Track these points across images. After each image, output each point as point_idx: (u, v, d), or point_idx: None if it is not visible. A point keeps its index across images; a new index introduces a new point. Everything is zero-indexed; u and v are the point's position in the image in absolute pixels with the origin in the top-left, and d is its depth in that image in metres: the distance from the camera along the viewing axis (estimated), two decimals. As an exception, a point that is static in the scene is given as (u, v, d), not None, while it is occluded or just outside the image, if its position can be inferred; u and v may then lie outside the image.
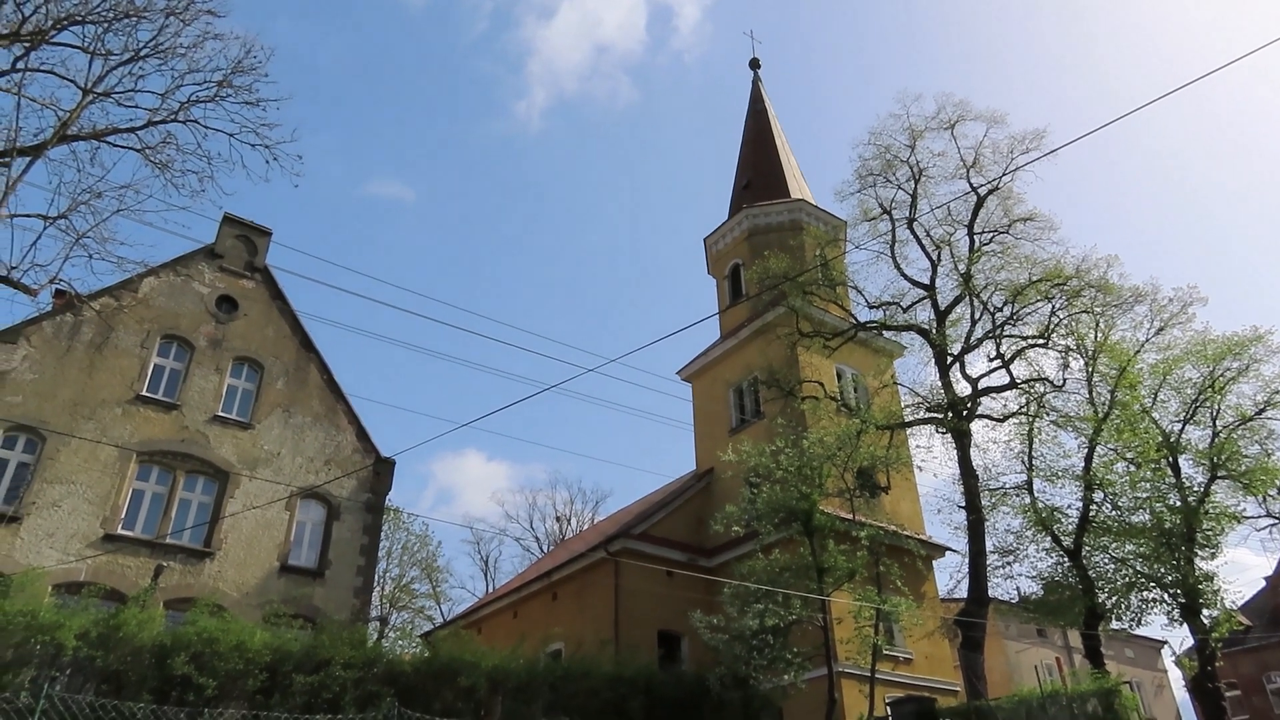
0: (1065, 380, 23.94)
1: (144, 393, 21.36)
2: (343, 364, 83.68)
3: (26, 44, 15.44)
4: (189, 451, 21.37)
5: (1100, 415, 22.62)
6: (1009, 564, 23.67)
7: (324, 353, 24.64)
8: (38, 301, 15.44)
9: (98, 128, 16.12)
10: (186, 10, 16.34)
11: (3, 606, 13.21)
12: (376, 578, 37.50)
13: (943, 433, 24.08)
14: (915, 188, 26.12)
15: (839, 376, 30.48)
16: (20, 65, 15.44)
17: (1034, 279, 23.65)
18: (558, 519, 56.25)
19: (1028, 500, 23.11)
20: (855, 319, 27.12)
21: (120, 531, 19.84)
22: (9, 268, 14.47)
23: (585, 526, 53.73)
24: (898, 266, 26.03)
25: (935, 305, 25.03)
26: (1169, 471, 22.22)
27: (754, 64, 43.27)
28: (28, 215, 15.07)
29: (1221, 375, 22.60)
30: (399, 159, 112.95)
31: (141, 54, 16.31)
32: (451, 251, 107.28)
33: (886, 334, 28.23)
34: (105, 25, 15.96)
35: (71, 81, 15.88)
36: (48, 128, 15.50)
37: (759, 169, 38.35)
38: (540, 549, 54.78)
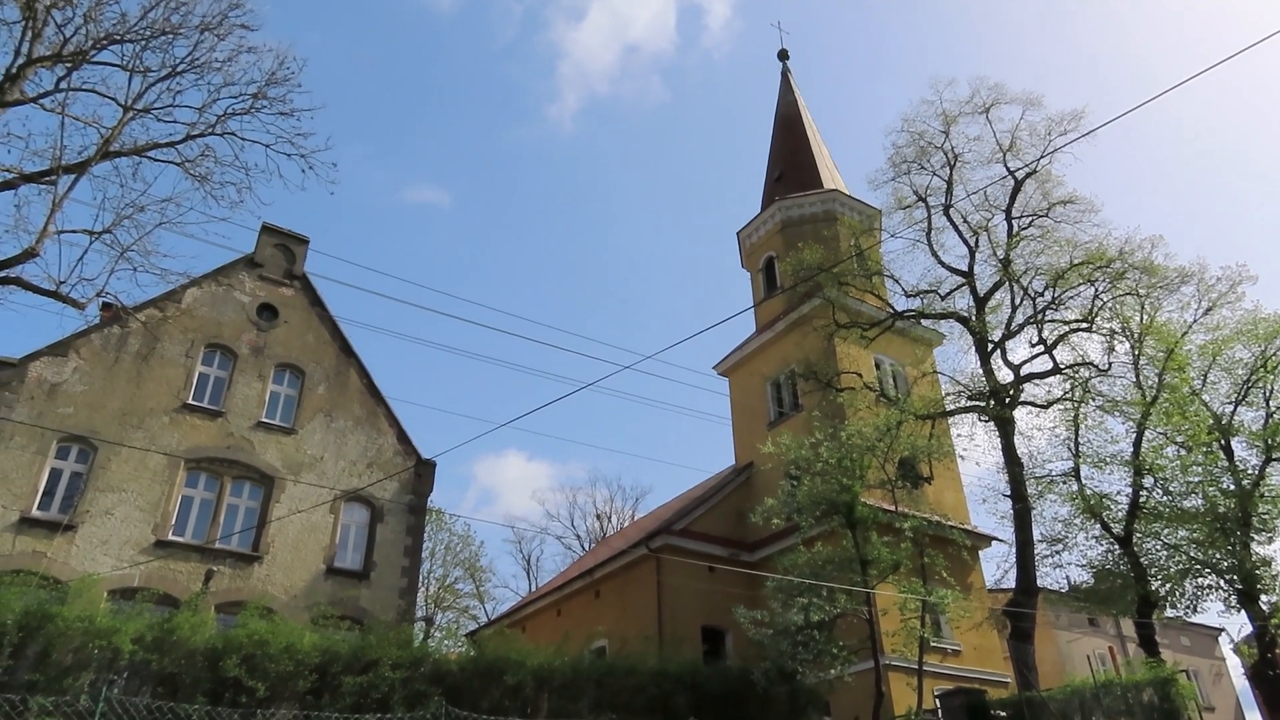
0: (1110, 364, 23.53)
1: (190, 401, 21.79)
2: (382, 368, 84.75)
3: (69, 64, 15.82)
4: (235, 458, 21.76)
5: (1148, 399, 22.16)
6: (1057, 553, 23.38)
7: (363, 357, 24.97)
8: (86, 315, 15.79)
9: (139, 143, 16.45)
10: (221, 25, 16.62)
11: (61, 613, 13.56)
12: (421, 578, 37.90)
13: (985, 421, 23.85)
14: (950, 174, 25.83)
15: (877, 367, 30.23)
16: (63, 85, 15.83)
17: (1075, 262, 23.26)
18: (598, 517, 56.46)
19: (1075, 487, 22.76)
20: (892, 308, 26.92)
21: (171, 537, 20.25)
22: (58, 283, 14.84)
23: (626, 524, 53.81)
24: (934, 254, 25.77)
25: (974, 292, 24.72)
26: (1221, 455, 21.69)
27: (783, 55, 42.95)
28: (74, 231, 15.44)
29: (1274, 355, 22.01)
30: (433, 165, 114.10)
31: (179, 70, 16.62)
32: (487, 254, 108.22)
33: (925, 322, 27.99)
34: (143, 43, 16.29)
35: (112, 99, 16.24)
36: (91, 145, 15.85)
37: (791, 160, 38.13)
38: (582, 547, 54.99)
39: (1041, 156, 24.09)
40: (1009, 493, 22.61)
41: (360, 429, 24.00)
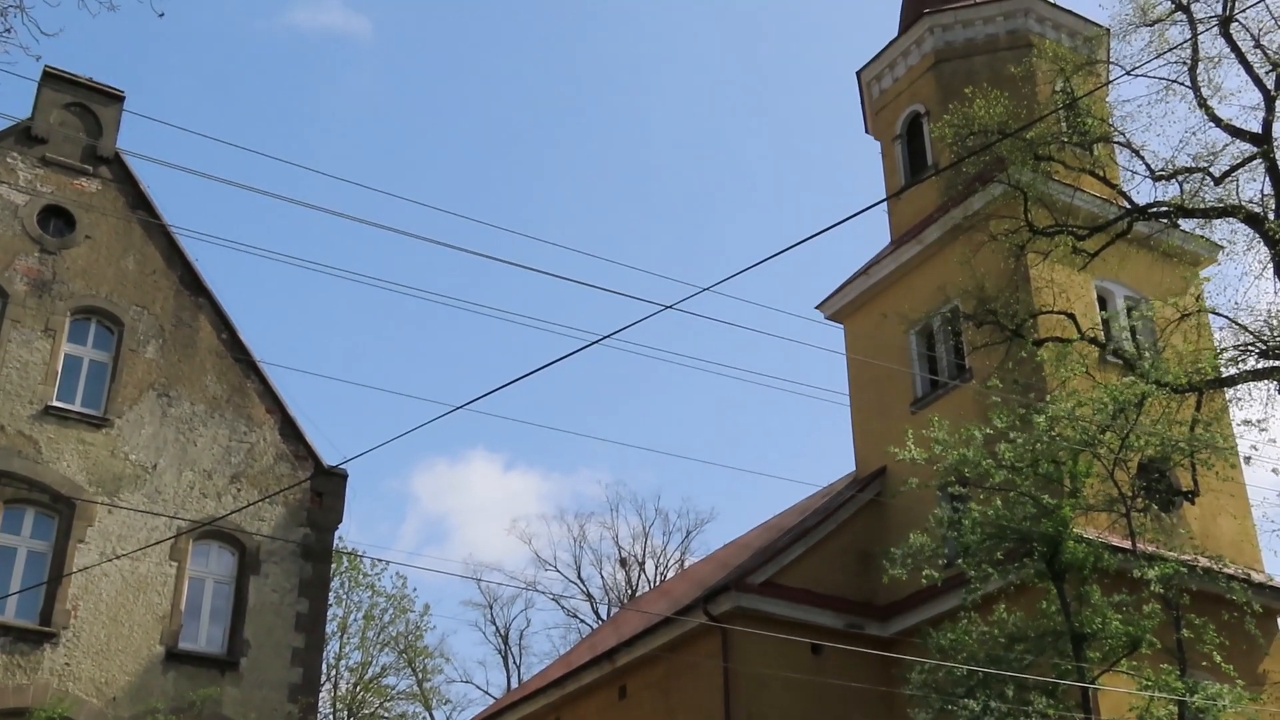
0: None
1: (-68, 373, 21.97)
2: (256, 315, 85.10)
3: None
4: (6, 468, 21.82)
5: None
6: None
7: (222, 296, 24.99)
8: None
9: None
10: None
11: None
12: (325, 666, 38.30)
13: (1291, 395, 23.41)
14: (1234, -41, 25.12)
15: (1102, 303, 30.01)
16: None
17: None
18: (623, 561, 57.12)
19: None
20: (1130, 201, 26.56)
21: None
22: None
23: (670, 573, 53.95)
24: (1203, 104, 25.19)
25: (1273, 170, 24.22)
26: None
27: None
28: None
29: None
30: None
31: None
32: (436, 120, 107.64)
33: (1185, 225, 27.50)
34: None
35: None
36: None
37: (951, -57, 37.52)
38: (595, 613, 55.35)
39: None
40: (1332, 518, 22.22)
41: (219, 417, 24.07)
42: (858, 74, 37.39)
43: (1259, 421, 24.12)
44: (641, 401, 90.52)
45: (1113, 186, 27.64)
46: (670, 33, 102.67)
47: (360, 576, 46.49)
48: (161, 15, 16.13)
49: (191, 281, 24.87)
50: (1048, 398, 23.99)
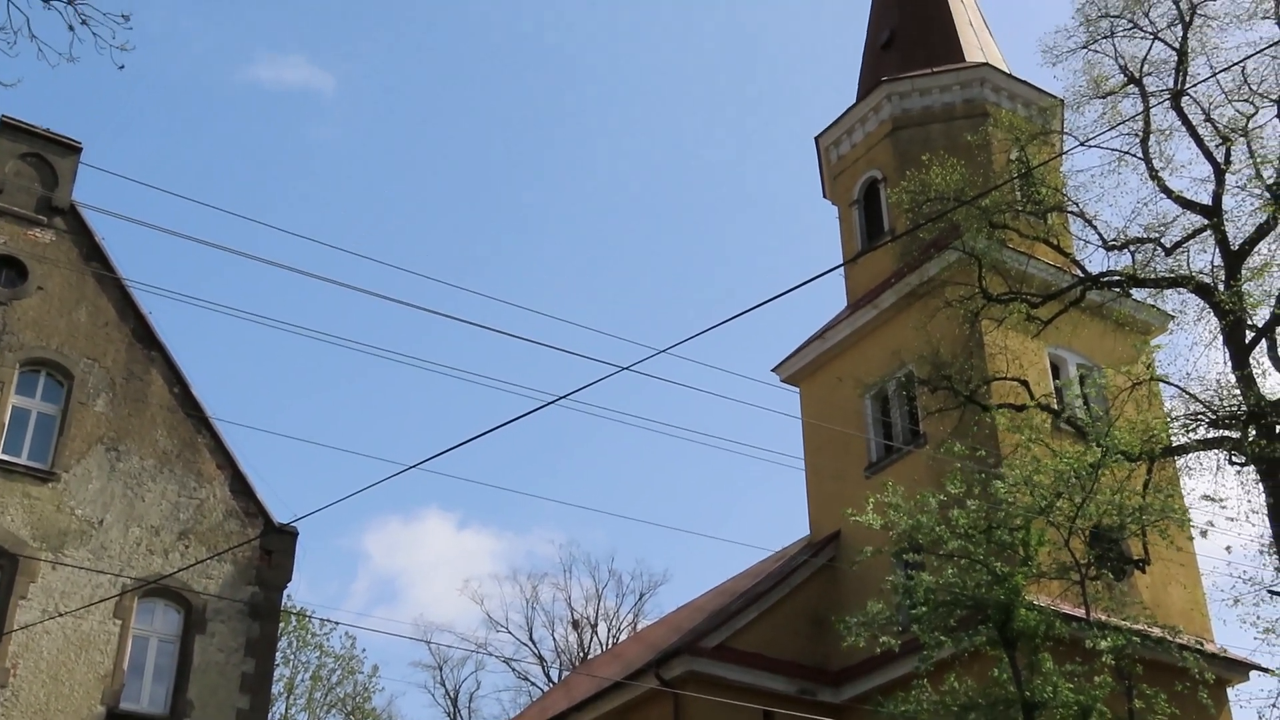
0: None
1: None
2: (209, 370, 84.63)
3: None
4: (-49, 521, 21.63)
5: None
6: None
7: (175, 350, 24.84)
8: None
9: None
10: None
11: None
12: (272, 727, 37.69)
13: (1240, 464, 23.57)
14: (1184, 37, 25.76)
15: (1055, 370, 30.30)
16: None
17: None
18: (575, 624, 56.88)
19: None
20: (1083, 269, 26.88)
21: None
22: None
23: (623, 636, 53.73)
24: (1155, 177, 25.68)
25: (1223, 242, 24.62)
26: None
27: None
28: None
29: None
30: (305, 24, 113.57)
31: None
32: (396, 179, 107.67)
33: (1137, 294, 27.85)
34: None
35: None
36: None
37: (909, 13, 38.34)
38: (547, 676, 55.01)
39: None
40: (1281, 588, 22.34)
41: (168, 473, 23.89)
42: (816, 139, 37.73)
43: (1210, 488, 24.27)
44: (597, 462, 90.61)
45: (1066, 255, 27.95)
46: (630, 93, 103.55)
47: (308, 636, 45.97)
48: (122, 68, 16.07)
49: (144, 335, 24.69)
50: (1002, 464, 24.07)
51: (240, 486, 24.49)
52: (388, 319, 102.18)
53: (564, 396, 14.88)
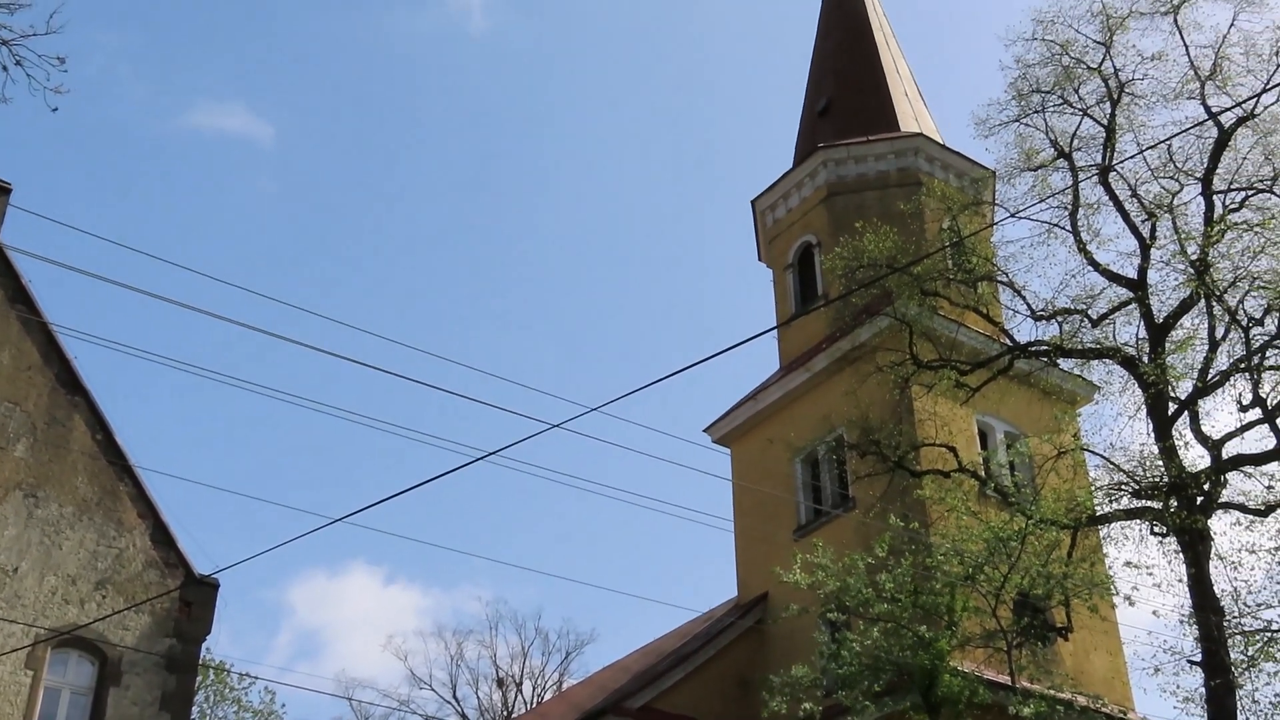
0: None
1: None
2: (133, 416, 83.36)
3: None
4: None
5: None
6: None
7: (98, 395, 24.53)
8: None
9: None
10: None
11: None
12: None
13: (1162, 535, 23.80)
14: (1113, 114, 26.21)
15: (983, 438, 30.57)
16: None
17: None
18: (500, 682, 56.25)
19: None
20: (1011, 339, 27.14)
21: None
22: None
23: (548, 695, 53.35)
24: (1083, 248, 26.06)
25: (1147, 315, 24.99)
26: None
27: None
28: None
29: None
30: (245, 73, 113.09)
31: None
32: (333, 230, 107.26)
33: (1064, 364, 28.18)
34: None
35: None
36: None
37: (847, 81, 38.75)
38: (471, 735, 54.25)
39: (1264, 90, 24.37)
40: (1200, 658, 22.54)
41: (87, 521, 23.56)
42: (752, 203, 37.98)
43: (1133, 557, 24.45)
44: (526, 519, 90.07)
45: (995, 324, 28.20)
46: (568, 153, 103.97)
47: (226, 691, 45.03)
48: (55, 110, 15.94)
49: (68, 379, 24.34)
50: (929, 530, 24.19)
51: (161, 536, 24.15)
52: (319, 370, 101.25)
53: (494, 453, 14.86)
